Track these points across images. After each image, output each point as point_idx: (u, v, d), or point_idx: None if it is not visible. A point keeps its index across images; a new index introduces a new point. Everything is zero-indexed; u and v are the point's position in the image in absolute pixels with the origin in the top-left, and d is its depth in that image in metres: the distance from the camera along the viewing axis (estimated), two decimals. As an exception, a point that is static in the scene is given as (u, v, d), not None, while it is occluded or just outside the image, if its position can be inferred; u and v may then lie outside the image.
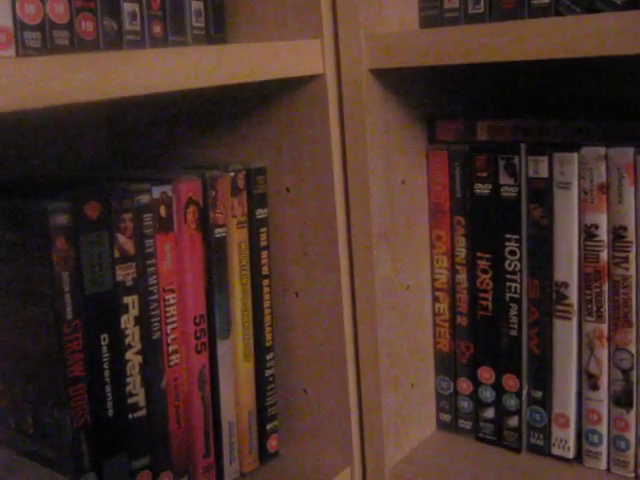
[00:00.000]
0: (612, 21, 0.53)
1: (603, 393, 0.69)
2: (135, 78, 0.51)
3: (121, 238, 0.62)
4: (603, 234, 0.66)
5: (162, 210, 0.65)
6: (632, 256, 0.65)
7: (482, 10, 0.67)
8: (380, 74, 0.67)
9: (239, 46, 0.60)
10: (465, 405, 0.77)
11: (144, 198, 0.64)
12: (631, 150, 0.64)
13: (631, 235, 0.65)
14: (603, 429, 0.70)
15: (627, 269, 0.66)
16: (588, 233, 0.67)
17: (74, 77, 0.48)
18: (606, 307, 0.67)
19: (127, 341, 0.63)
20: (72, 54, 0.49)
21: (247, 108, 0.73)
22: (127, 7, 0.62)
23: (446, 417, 0.79)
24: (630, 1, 0.60)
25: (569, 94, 0.84)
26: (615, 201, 0.65)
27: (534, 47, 0.56)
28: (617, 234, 0.65)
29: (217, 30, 0.69)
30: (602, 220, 0.66)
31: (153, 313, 0.65)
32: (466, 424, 0.78)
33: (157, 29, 0.64)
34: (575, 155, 0.66)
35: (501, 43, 0.58)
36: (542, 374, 0.72)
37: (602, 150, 0.65)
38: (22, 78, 0.46)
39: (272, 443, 0.75)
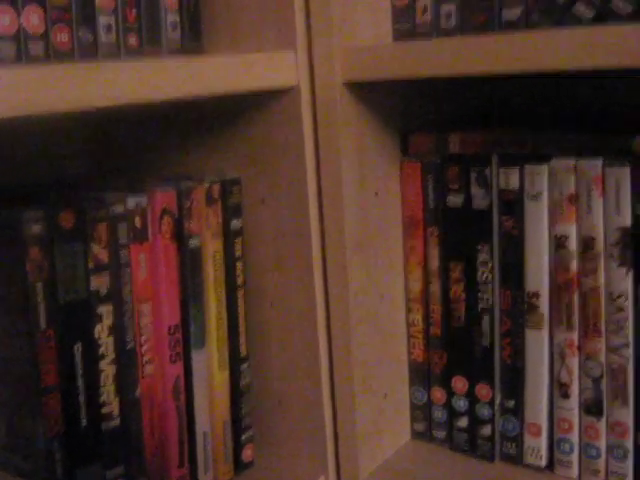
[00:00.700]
0: (579, 37, 0.55)
1: (574, 402, 0.70)
2: (108, 89, 0.52)
3: (95, 248, 0.62)
4: (573, 245, 0.67)
5: (137, 220, 0.65)
6: (601, 266, 0.66)
7: (454, 24, 0.68)
8: (354, 87, 0.68)
9: (213, 58, 0.60)
10: (439, 415, 0.78)
11: (119, 208, 0.64)
12: (599, 162, 0.65)
13: (599, 246, 0.66)
14: (574, 437, 0.70)
15: (596, 279, 0.67)
16: (558, 244, 0.68)
17: (48, 88, 0.48)
18: (576, 317, 0.68)
19: (101, 351, 0.63)
20: (46, 65, 0.50)
21: (222, 119, 0.73)
22: (102, 20, 0.62)
23: (420, 426, 0.80)
24: (596, 17, 0.61)
25: (539, 107, 0.85)
26: (584, 212, 0.66)
27: (504, 61, 0.57)
28: (586, 245, 0.67)
29: (193, 42, 0.70)
30: (572, 231, 0.67)
31: (127, 323, 0.65)
32: (440, 433, 0.78)
33: (132, 41, 0.65)
34: (545, 167, 0.67)
35: (472, 57, 0.59)
36: (514, 383, 0.73)
37: (571, 162, 0.66)
38: (-5, 88, 0.46)
39: (247, 453, 0.76)
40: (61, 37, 0.60)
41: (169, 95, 0.56)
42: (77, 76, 0.51)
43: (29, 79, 0.48)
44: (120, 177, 0.82)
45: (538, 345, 0.71)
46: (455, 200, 0.72)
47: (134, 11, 0.65)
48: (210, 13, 0.72)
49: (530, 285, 0.70)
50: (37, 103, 0.49)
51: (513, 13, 0.65)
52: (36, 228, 0.59)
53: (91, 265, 0.62)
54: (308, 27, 0.67)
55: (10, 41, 0.56)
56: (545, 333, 0.70)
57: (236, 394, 0.74)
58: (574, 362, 0.69)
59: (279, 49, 0.67)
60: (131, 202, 0.65)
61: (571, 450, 0.71)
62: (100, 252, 0.63)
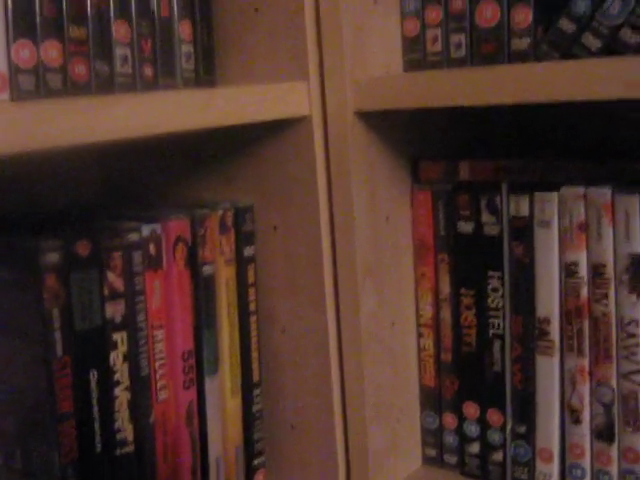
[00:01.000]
0: (587, 68, 0.55)
1: (585, 427, 0.70)
2: (126, 121, 0.53)
3: (111, 276, 0.63)
4: (583, 271, 0.68)
5: (151, 248, 0.66)
6: (611, 293, 0.67)
7: (464, 54, 0.69)
8: (365, 116, 0.69)
9: (228, 89, 0.61)
10: (450, 440, 0.78)
11: (134, 236, 0.65)
12: (609, 190, 0.66)
13: (610, 272, 0.66)
14: (586, 463, 0.71)
15: (606, 305, 0.67)
16: (568, 270, 0.68)
17: (67, 121, 0.50)
18: (587, 343, 0.69)
19: (116, 377, 0.64)
20: (64, 98, 0.51)
21: (235, 147, 0.74)
22: (119, 51, 0.64)
23: (432, 452, 0.80)
24: (604, 47, 0.62)
25: (549, 134, 0.86)
26: (594, 239, 0.67)
27: (512, 92, 0.58)
28: (596, 271, 0.67)
29: (207, 72, 0.71)
30: (582, 258, 0.68)
31: (142, 349, 0.66)
32: (451, 459, 0.79)
33: (148, 72, 0.66)
34: (555, 194, 0.68)
35: (481, 87, 0.60)
36: (526, 409, 0.73)
37: (581, 190, 0.67)
38: (17, 122, 0.47)
39: (259, 478, 0.76)
40: (79, 69, 0.61)
41: (185, 127, 0.57)
42: (95, 109, 0.52)
43: (47, 113, 0.49)
44: (134, 204, 0.83)
45: (549, 371, 0.71)
46: (466, 227, 0.73)
47: (150, 42, 0.66)
48: (223, 44, 0.73)
49: (541, 311, 0.70)
50: (56, 137, 0.50)
51: (522, 43, 0.66)
52: (53, 257, 0.60)
53: (106, 293, 0.63)
54: (320, 58, 0.68)
55: (30, 74, 0.58)
56: (556, 359, 0.70)
57: (249, 419, 0.75)
58: (585, 388, 0.69)
59: (292, 79, 0.68)
60: (146, 230, 0.66)
61: (583, 476, 0.71)
62: (115, 280, 0.64)
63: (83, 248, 0.61)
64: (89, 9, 0.61)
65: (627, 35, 0.61)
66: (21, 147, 0.48)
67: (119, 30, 0.64)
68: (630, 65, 0.54)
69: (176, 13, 0.69)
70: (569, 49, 0.64)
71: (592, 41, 0.63)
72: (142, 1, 0.65)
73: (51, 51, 0.59)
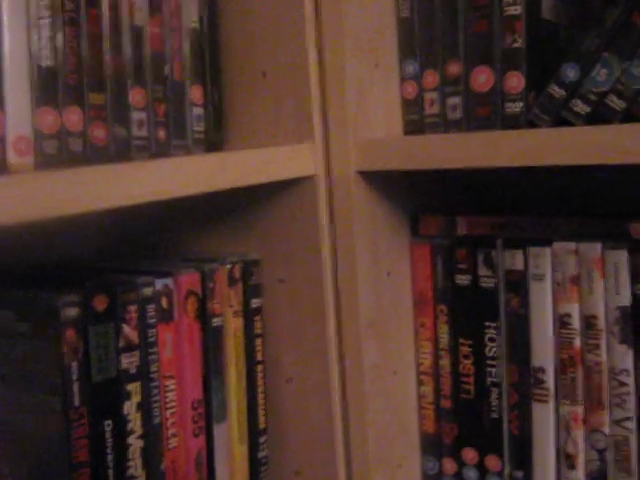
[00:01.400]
0: (575, 135, 0.59)
1: (580, 472, 0.73)
2: (144, 187, 0.56)
3: (126, 328, 0.66)
4: (576, 323, 0.71)
5: (164, 301, 0.69)
6: (603, 343, 0.70)
7: (460, 116, 0.73)
8: (367, 175, 0.73)
9: (238, 154, 0.65)
10: (450, 485, 0.81)
11: (148, 290, 0.68)
12: (599, 246, 0.69)
13: (601, 324, 0.70)
14: (581, 508, 0.73)
15: (599, 355, 0.70)
16: (562, 322, 0.72)
17: (88, 188, 0.53)
18: (580, 391, 0.72)
19: (129, 426, 0.67)
20: (87, 166, 0.54)
21: (243, 204, 0.78)
22: (135, 115, 0.67)
23: (432, 497, 0.82)
24: (593, 113, 0.66)
25: (542, 192, 0.90)
26: (586, 292, 0.70)
27: (506, 156, 0.62)
28: (588, 323, 0.70)
29: (216, 134, 0.75)
30: (574, 310, 0.71)
31: (154, 399, 0.68)
32: (451, 503, 0.81)
33: (161, 134, 0.70)
34: (548, 250, 0.72)
35: (476, 151, 0.64)
36: (523, 454, 0.76)
37: (573, 245, 0.70)
38: (40, 190, 0.51)
39: (265, 524, 0.78)
40: (98, 133, 0.64)
41: (198, 190, 0.60)
42: (115, 176, 0.55)
43: (70, 181, 0.53)
44: (144, 256, 0.86)
45: (545, 418, 0.74)
46: (463, 280, 0.76)
47: (163, 106, 0.70)
48: (232, 106, 0.77)
49: (536, 360, 0.73)
50: (76, 203, 0.53)
51: (515, 107, 0.70)
52: (72, 311, 0.63)
53: (122, 345, 0.66)
54: (324, 120, 0.72)
55: (53, 139, 0.61)
56: (551, 406, 0.73)
57: (255, 466, 0.77)
58: (579, 434, 0.72)
59: (297, 140, 0.72)
60: (159, 284, 0.69)
61: (579, 520, 0.73)
62: (130, 332, 0.66)
63: (100, 302, 0.64)
64: (108, 77, 0.65)
65: (613, 101, 0.65)
66: (43, 214, 0.51)
67: (135, 96, 0.67)
68: (615, 134, 0.57)
69: (188, 77, 0.72)
70: (559, 113, 0.68)
71: (581, 106, 0.67)
72: (157, 67, 0.69)
73: (72, 117, 0.63)
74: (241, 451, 0.76)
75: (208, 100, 0.74)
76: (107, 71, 0.65)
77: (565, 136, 0.60)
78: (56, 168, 0.55)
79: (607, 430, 0.71)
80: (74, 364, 0.63)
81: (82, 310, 0.64)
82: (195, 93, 0.73)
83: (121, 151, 0.66)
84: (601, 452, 0.71)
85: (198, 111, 0.74)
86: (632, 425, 0.70)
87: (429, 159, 0.66)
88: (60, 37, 0.62)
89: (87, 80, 0.64)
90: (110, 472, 0.66)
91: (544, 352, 0.73)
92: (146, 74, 0.68)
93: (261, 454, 0.77)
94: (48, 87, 0.61)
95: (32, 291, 0.66)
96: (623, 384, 0.69)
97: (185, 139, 0.72)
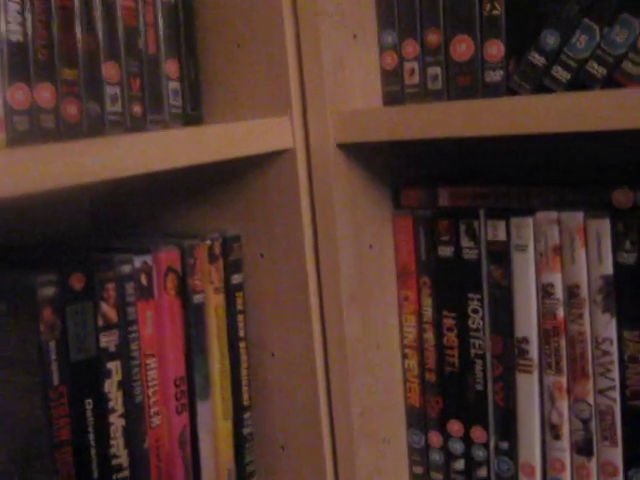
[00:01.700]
0: (556, 101, 0.59)
1: (565, 442, 0.73)
2: (118, 162, 0.55)
3: (104, 307, 0.66)
4: (559, 293, 0.71)
5: (143, 279, 0.69)
6: (586, 313, 0.70)
7: (440, 86, 0.72)
8: (346, 147, 0.72)
9: (215, 127, 0.64)
10: (436, 457, 0.81)
11: (126, 268, 0.67)
12: (581, 214, 0.68)
13: (584, 293, 0.69)
14: (567, 477, 0.73)
15: (582, 325, 0.70)
16: (545, 292, 0.71)
17: (61, 164, 0.52)
18: (564, 361, 0.71)
19: (111, 405, 0.66)
20: (59, 142, 0.53)
21: (222, 179, 0.77)
22: (109, 90, 0.66)
23: (419, 469, 0.82)
24: (573, 80, 0.65)
25: (523, 161, 0.89)
26: (568, 262, 0.70)
27: (486, 124, 0.61)
28: (571, 292, 0.70)
29: (193, 108, 0.74)
30: (557, 279, 0.70)
31: (135, 377, 0.68)
32: (438, 476, 0.81)
33: (137, 109, 0.69)
34: (530, 220, 0.71)
35: (457, 121, 0.63)
36: (508, 425, 0.75)
37: (555, 215, 0.70)
38: (12, 167, 0.50)
39: (251, 500, 0.78)
40: (70, 109, 0.63)
41: (175, 164, 0.59)
42: (89, 151, 0.54)
43: (42, 156, 0.52)
44: (124, 234, 0.85)
45: (529, 388, 0.74)
46: (446, 251, 0.76)
47: (138, 80, 0.69)
48: (208, 80, 0.75)
49: (520, 331, 0.73)
50: (50, 179, 0.52)
51: (495, 75, 0.69)
52: (49, 290, 0.62)
53: (100, 323, 0.65)
54: (302, 92, 0.71)
55: (24, 115, 0.60)
56: (535, 377, 0.73)
57: (240, 442, 0.77)
58: (564, 404, 0.72)
59: (275, 113, 0.71)
60: (138, 262, 0.68)
61: (564, 490, 0.73)
62: (109, 311, 0.66)
63: (78, 281, 0.64)
64: (80, 51, 0.64)
65: (594, 68, 0.64)
66: (16, 191, 0.50)
67: (109, 70, 0.66)
68: (595, 100, 0.57)
69: (163, 51, 0.71)
70: (540, 81, 0.67)
71: (562, 73, 0.66)
72: (130, 41, 0.68)
73: (44, 93, 0.61)
74: (225, 428, 0.75)
75: (184, 74, 0.73)
76: (79, 46, 0.64)
77: (546, 103, 0.59)
78: (28, 145, 0.54)
79: (591, 400, 0.71)
80: (52, 343, 0.62)
81: (59, 289, 0.63)
82: (170, 67, 0.72)
83: (95, 127, 0.65)
84: (586, 422, 0.71)
85: (174, 85, 0.72)
86: (616, 394, 0.69)
87: (409, 129, 0.66)
88: (29, 11, 0.60)
89: (58, 55, 0.63)
90: (92, 451, 0.65)
91: (527, 323, 0.73)
92: (119, 48, 0.67)
93: (246, 430, 0.77)
94: (18, 63, 0.60)
95: (8, 271, 0.65)
96: (607, 353, 0.69)
97: (162, 114, 0.71)
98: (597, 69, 0.64)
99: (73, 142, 0.54)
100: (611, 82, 0.64)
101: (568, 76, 0.66)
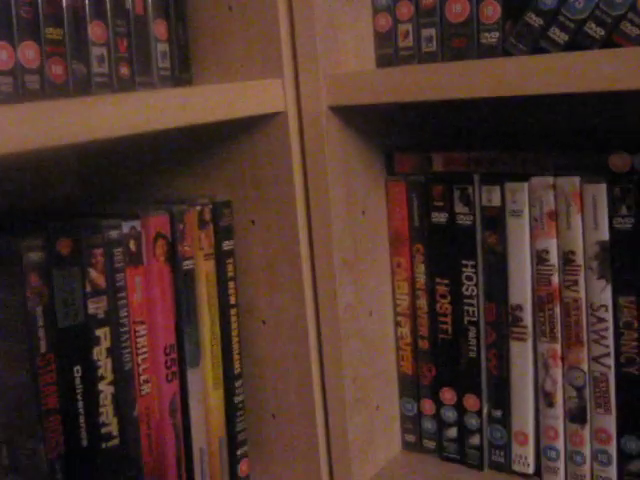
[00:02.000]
0: (552, 62, 0.57)
1: (559, 410, 0.72)
2: (104, 122, 0.54)
3: (92, 272, 0.64)
4: (554, 259, 0.70)
5: (132, 244, 0.67)
6: (581, 279, 0.69)
7: (435, 49, 0.71)
8: (339, 111, 0.70)
9: (204, 88, 0.62)
10: (429, 425, 0.80)
11: (114, 233, 0.66)
12: (577, 179, 0.67)
13: (579, 259, 0.68)
14: (560, 445, 0.73)
15: (577, 291, 0.69)
16: (540, 258, 0.70)
17: (47, 123, 0.50)
18: (559, 328, 0.71)
19: (99, 372, 0.65)
20: (44, 101, 0.52)
21: (212, 143, 0.76)
22: (95, 50, 0.65)
23: (411, 437, 0.82)
24: (571, 41, 0.64)
25: (518, 126, 0.88)
26: (564, 227, 0.69)
27: (481, 86, 0.60)
28: (567, 258, 0.69)
29: (182, 71, 0.72)
30: (552, 245, 0.70)
31: (124, 344, 0.67)
32: (430, 444, 0.81)
33: (124, 71, 0.67)
34: (525, 185, 0.70)
35: (451, 82, 0.61)
36: (501, 393, 0.75)
37: (550, 180, 0.69)
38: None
39: (242, 468, 0.77)
40: (56, 70, 0.62)
41: (163, 125, 0.58)
42: (74, 111, 0.53)
43: (27, 116, 0.50)
44: (113, 200, 0.84)
45: (523, 356, 0.73)
46: (439, 218, 0.75)
47: (125, 41, 0.67)
48: (198, 43, 0.74)
49: (514, 298, 0.72)
50: (35, 139, 0.51)
51: (491, 37, 0.68)
52: (35, 255, 0.61)
53: (88, 289, 0.64)
54: (294, 55, 0.70)
55: (8, 76, 0.58)
56: (529, 344, 0.73)
57: (231, 410, 0.76)
58: (558, 372, 0.71)
59: (266, 76, 0.70)
60: (126, 227, 0.67)
61: (557, 457, 0.73)
62: (97, 277, 0.65)
63: (64, 246, 0.62)
64: (65, 10, 0.62)
65: (592, 29, 0.63)
66: (3, 150, 0.49)
67: (95, 30, 0.64)
68: (593, 60, 0.55)
69: (151, 12, 0.69)
70: (537, 43, 0.66)
71: (559, 35, 0.65)
72: (117, 0, 0.66)
73: (28, 52, 0.60)
74: (216, 396, 0.74)
75: (173, 36, 0.71)
76: (64, 3, 0.62)
77: (543, 63, 0.57)
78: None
79: (585, 367, 0.70)
80: (39, 309, 0.61)
81: (46, 254, 0.62)
82: (159, 28, 0.70)
83: (81, 88, 0.63)
84: (580, 389, 0.71)
85: (163, 47, 0.71)
86: (610, 361, 0.69)
87: (403, 92, 0.64)
88: (12, -32, 0.58)
89: (43, 14, 0.61)
90: (81, 418, 0.65)
91: (522, 289, 0.72)
92: (106, 8, 0.65)
93: (237, 398, 0.76)
94: (1, 21, 0.58)
95: (-7, 236, 0.64)
96: (602, 320, 0.69)
97: (150, 76, 0.70)
98: (595, 30, 0.63)
99: (58, 101, 0.52)
100: (609, 44, 0.63)
101: (566, 37, 0.64)
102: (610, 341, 0.69)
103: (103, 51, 0.65)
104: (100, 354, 0.65)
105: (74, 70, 0.63)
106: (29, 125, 0.50)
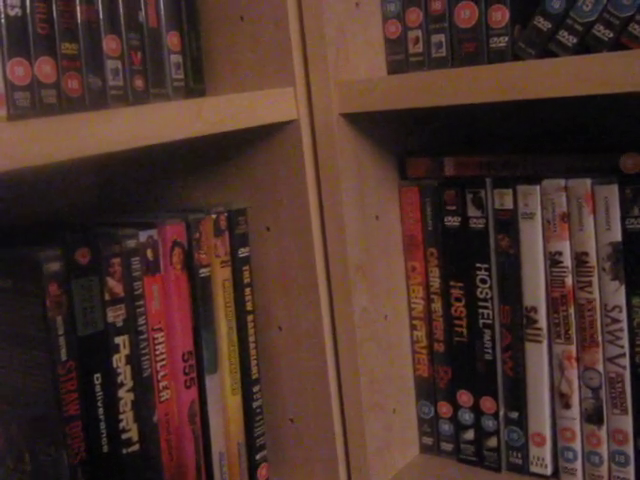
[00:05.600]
0: (562, 66, 0.58)
1: (575, 411, 0.72)
2: (120, 135, 0.55)
3: (111, 281, 0.65)
4: (567, 260, 0.70)
5: (149, 253, 0.68)
6: (595, 280, 0.69)
7: (445, 54, 0.71)
8: (350, 117, 0.71)
9: (217, 99, 0.64)
10: (446, 428, 0.81)
11: (131, 242, 0.67)
12: (588, 181, 0.68)
13: (592, 260, 0.69)
14: (577, 446, 0.73)
15: (591, 292, 0.69)
16: (553, 260, 0.71)
17: (62, 137, 0.52)
18: (573, 329, 0.71)
19: (119, 379, 0.66)
20: (60, 116, 0.53)
21: (227, 152, 0.77)
22: (110, 64, 0.66)
23: (428, 440, 0.82)
24: (579, 44, 0.64)
25: (529, 129, 0.88)
26: (576, 229, 0.69)
27: (491, 90, 0.61)
28: (580, 260, 0.69)
29: (196, 82, 0.73)
30: (565, 247, 0.70)
31: (143, 352, 0.68)
32: (448, 446, 0.81)
33: (139, 83, 0.68)
34: (537, 187, 0.70)
35: (462, 87, 0.62)
36: (517, 395, 0.75)
37: (562, 182, 0.69)
38: (14, 141, 0.49)
39: (262, 472, 0.78)
40: (72, 84, 0.63)
41: (178, 137, 0.59)
42: (89, 124, 0.54)
43: (44, 130, 0.51)
44: (130, 210, 0.85)
45: (538, 357, 0.73)
46: (452, 221, 0.75)
47: (139, 54, 0.68)
48: (211, 53, 0.75)
49: (528, 300, 0.73)
50: (51, 153, 0.52)
51: (500, 42, 0.68)
52: (54, 266, 0.62)
53: (107, 298, 0.65)
54: (305, 62, 0.71)
55: (25, 91, 0.59)
56: (544, 346, 0.73)
57: (249, 415, 0.77)
58: (573, 373, 0.72)
59: (278, 85, 0.71)
60: (143, 236, 0.68)
61: (575, 458, 0.73)
62: (115, 285, 0.66)
63: (83, 256, 0.64)
64: (80, 25, 0.63)
65: (600, 31, 0.63)
66: (19, 164, 0.50)
67: (109, 44, 0.66)
68: (602, 63, 0.56)
69: (164, 24, 0.71)
70: (546, 46, 0.66)
71: (567, 38, 0.65)
72: (131, 14, 0.67)
73: (45, 68, 0.61)
74: (235, 401, 0.75)
75: (186, 47, 0.72)
76: (79, 19, 0.63)
77: (552, 67, 0.58)
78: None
79: (601, 368, 0.70)
80: (59, 318, 0.62)
81: (65, 264, 0.63)
82: (172, 40, 0.71)
83: (97, 102, 0.64)
84: (595, 390, 0.71)
85: (176, 59, 0.72)
86: (625, 362, 0.69)
87: (413, 98, 0.65)
88: (28, -16, 0.60)
89: (58, 29, 0.62)
90: (102, 425, 0.66)
91: (536, 291, 0.72)
92: (120, 21, 0.66)
93: (255, 404, 0.77)
94: (18, 38, 0.59)
95: (13, 247, 0.65)
96: (616, 321, 0.69)
97: (164, 88, 0.71)
98: (604, 32, 0.63)
99: (75, 115, 0.53)
100: (618, 46, 0.63)
101: (574, 40, 0.65)
102: (625, 341, 0.69)
103: (118, 64, 0.66)
104: (119, 361, 0.66)
105: (90, 84, 0.64)
106: (47, 139, 0.51)
